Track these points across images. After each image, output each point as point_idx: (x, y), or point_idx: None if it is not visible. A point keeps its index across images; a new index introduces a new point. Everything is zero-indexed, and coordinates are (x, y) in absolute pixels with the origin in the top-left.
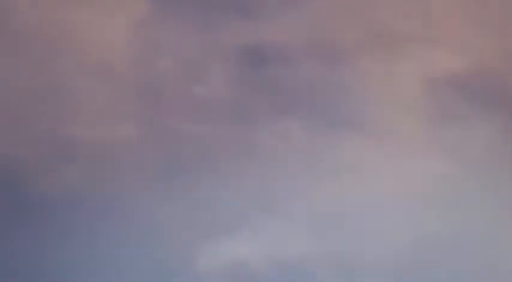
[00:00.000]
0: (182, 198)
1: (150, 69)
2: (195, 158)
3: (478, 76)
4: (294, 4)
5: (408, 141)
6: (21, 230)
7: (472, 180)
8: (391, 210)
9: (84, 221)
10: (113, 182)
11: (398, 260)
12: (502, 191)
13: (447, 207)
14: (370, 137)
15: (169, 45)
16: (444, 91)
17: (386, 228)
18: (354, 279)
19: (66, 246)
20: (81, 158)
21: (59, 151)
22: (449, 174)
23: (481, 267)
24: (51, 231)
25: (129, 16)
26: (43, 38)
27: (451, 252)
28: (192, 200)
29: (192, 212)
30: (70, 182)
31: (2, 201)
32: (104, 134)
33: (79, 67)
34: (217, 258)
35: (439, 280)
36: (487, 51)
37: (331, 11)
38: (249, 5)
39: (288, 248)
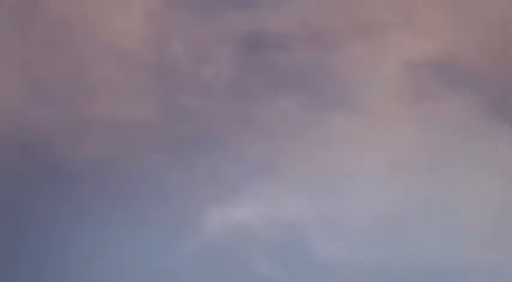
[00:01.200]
0: (191, 166)
1: (163, 52)
2: (203, 130)
3: (451, 60)
4: None
5: (389, 115)
6: (48, 193)
7: (445, 149)
8: (374, 176)
9: (104, 185)
10: (130, 152)
11: (382, 222)
12: (473, 159)
13: (424, 173)
14: (356, 112)
15: (180, 31)
16: (421, 73)
17: (370, 192)
18: (344, 238)
19: (86, 201)
20: (102, 131)
21: (83, 125)
22: (425, 143)
23: (457, 232)
24: (77, 193)
25: (144, 6)
26: (69, 27)
27: (430, 217)
28: (200, 168)
29: (200, 179)
30: (92, 152)
31: (31, 168)
32: (122, 110)
33: (100, 52)
34: (222, 220)
35: (418, 242)
36: (459, 38)
37: (323, 2)
38: None
39: (284, 210)
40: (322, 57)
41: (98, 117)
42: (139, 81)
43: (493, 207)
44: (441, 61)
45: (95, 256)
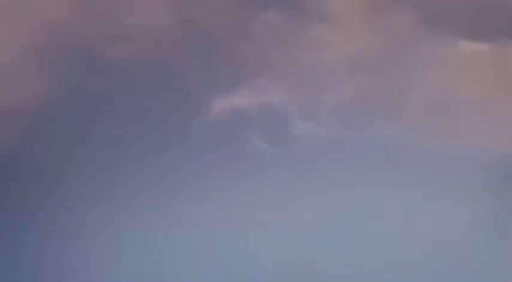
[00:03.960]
0: (199, 65)
1: None
2: (206, 39)
3: None
4: None
5: (352, 24)
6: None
7: (394, 51)
8: (339, 71)
9: (127, 80)
10: (151, 53)
11: (346, 108)
12: (416, 59)
13: (378, 71)
14: (329, 21)
15: None
16: None
17: (337, 83)
18: (316, 120)
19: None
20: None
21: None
22: (376, 44)
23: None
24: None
25: None
26: None
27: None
28: (205, 68)
29: (206, 75)
30: (127, 61)
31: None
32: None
33: None
34: (222, 106)
35: (380, 121)
36: None
37: None
38: None
39: (271, 99)
40: None
41: (136, 23)
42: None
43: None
44: None
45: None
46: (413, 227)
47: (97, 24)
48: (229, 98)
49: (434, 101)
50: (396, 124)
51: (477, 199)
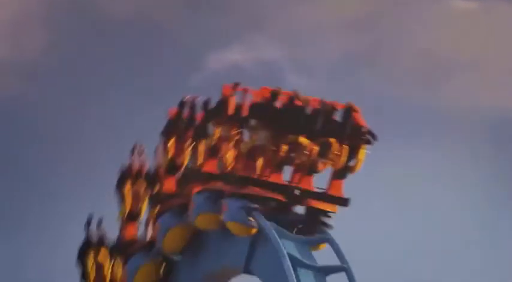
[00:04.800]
0: (195, 21)
1: None
2: None
3: None
4: None
5: None
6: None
7: None
8: (334, 22)
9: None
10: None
11: (340, 63)
12: None
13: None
14: None
15: None
16: None
17: (330, 38)
18: (311, 74)
19: None
20: None
21: None
22: (369, 2)
23: None
24: None
25: None
26: None
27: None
28: (203, 22)
29: (204, 31)
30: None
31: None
32: None
33: None
34: (220, 61)
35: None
36: None
37: None
38: None
39: (267, 54)
40: None
41: None
42: None
43: None
44: None
45: None
46: (403, 180)
47: None
48: (226, 54)
49: (426, 58)
50: (388, 79)
51: (465, 150)
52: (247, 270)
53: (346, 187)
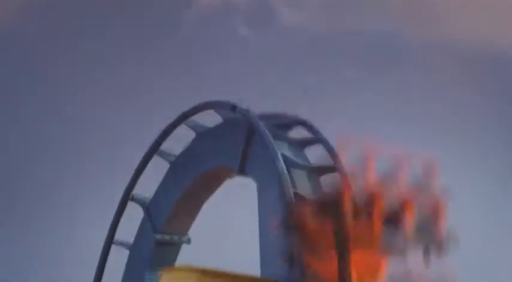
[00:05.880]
0: None
1: None
2: None
3: None
4: None
5: None
6: None
7: None
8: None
9: None
10: None
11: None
12: None
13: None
14: None
15: None
16: None
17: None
18: (306, 11)
19: None
20: None
21: None
22: None
23: None
24: None
25: None
26: None
27: None
28: None
29: None
30: None
31: None
32: None
33: None
34: None
35: None
36: None
37: None
38: None
39: None
40: None
41: None
42: None
43: None
44: None
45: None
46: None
47: None
48: None
49: None
50: (380, 14)
51: (456, 83)
52: (242, 172)
53: None
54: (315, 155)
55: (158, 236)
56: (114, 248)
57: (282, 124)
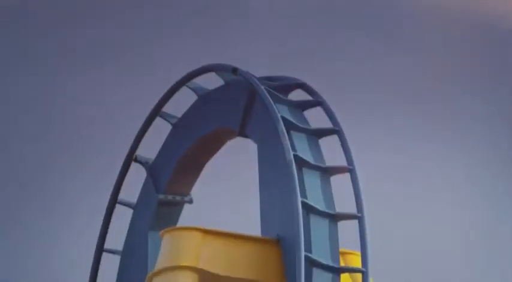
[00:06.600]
0: None
1: None
2: None
3: None
4: None
5: None
6: None
7: None
8: None
9: None
10: None
11: None
12: None
13: None
14: None
15: None
16: None
17: None
18: None
19: None
20: None
21: None
22: None
23: None
24: None
25: None
26: None
27: None
28: None
29: None
30: None
31: None
32: None
33: None
34: None
35: None
36: None
37: None
38: None
39: None
40: None
41: None
42: None
43: None
44: None
45: None
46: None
47: None
48: None
49: None
50: None
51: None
52: (243, 133)
53: None
54: (314, 117)
55: (161, 196)
56: (117, 211)
57: (282, 86)
